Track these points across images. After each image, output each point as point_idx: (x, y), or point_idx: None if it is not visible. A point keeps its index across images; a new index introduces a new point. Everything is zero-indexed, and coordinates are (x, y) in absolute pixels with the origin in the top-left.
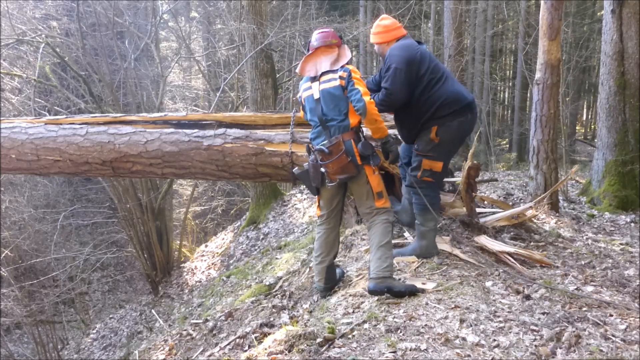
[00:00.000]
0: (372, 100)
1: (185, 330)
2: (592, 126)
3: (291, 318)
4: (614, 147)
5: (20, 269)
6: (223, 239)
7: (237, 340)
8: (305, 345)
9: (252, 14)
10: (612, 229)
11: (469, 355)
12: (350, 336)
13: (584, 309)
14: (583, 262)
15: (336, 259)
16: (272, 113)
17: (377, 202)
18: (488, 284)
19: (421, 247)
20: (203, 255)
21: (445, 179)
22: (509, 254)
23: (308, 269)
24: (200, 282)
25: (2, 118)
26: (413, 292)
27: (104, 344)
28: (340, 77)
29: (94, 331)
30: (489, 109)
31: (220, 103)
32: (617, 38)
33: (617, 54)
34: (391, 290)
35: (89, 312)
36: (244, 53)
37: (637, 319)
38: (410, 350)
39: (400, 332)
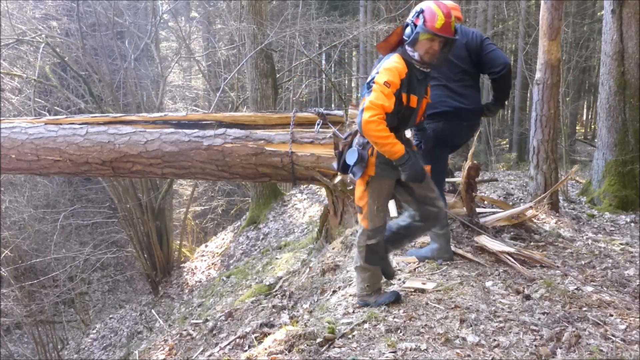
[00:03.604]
0: (373, 118)
1: (185, 330)
2: (592, 126)
3: (291, 318)
4: (614, 147)
5: (20, 269)
6: (223, 239)
7: (237, 340)
8: (305, 345)
9: (252, 14)
10: (612, 229)
11: (469, 355)
12: (350, 336)
13: (584, 309)
14: (583, 262)
15: (336, 259)
16: (272, 113)
17: (359, 215)
18: (488, 284)
19: (432, 250)
20: (203, 255)
21: (446, 179)
22: (509, 254)
23: (308, 269)
24: (200, 282)
25: (2, 118)
26: (393, 302)
27: (104, 344)
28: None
29: (94, 331)
30: None
31: (220, 103)
32: (617, 38)
33: (617, 54)
34: (371, 306)
35: (89, 312)
36: (244, 53)
37: (637, 319)
38: (410, 350)
39: (400, 332)
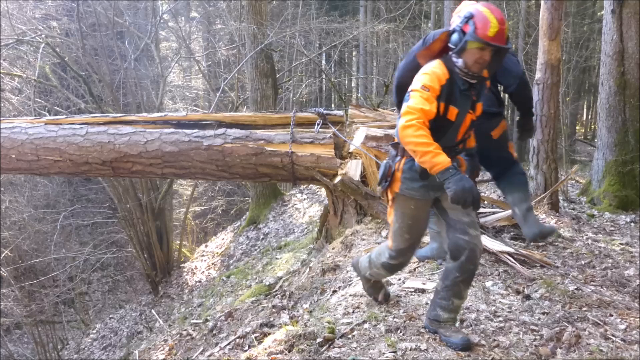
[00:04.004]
0: (410, 122)
1: (185, 330)
2: (592, 126)
3: (291, 318)
4: (614, 147)
5: (20, 269)
6: (223, 239)
7: (237, 340)
8: (305, 345)
9: (252, 14)
10: (612, 229)
11: (469, 355)
12: (350, 336)
13: (584, 309)
14: (583, 262)
15: (336, 259)
16: (272, 113)
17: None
18: (488, 284)
19: (432, 250)
20: (203, 255)
21: None
22: (509, 254)
23: (308, 269)
24: (200, 282)
25: (2, 118)
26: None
27: (104, 344)
28: None
29: (94, 331)
30: None
31: (220, 103)
32: (617, 38)
33: (617, 54)
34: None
35: (89, 312)
36: (244, 53)
37: (637, 319)
38: (410, 350)
39: (400, 332)
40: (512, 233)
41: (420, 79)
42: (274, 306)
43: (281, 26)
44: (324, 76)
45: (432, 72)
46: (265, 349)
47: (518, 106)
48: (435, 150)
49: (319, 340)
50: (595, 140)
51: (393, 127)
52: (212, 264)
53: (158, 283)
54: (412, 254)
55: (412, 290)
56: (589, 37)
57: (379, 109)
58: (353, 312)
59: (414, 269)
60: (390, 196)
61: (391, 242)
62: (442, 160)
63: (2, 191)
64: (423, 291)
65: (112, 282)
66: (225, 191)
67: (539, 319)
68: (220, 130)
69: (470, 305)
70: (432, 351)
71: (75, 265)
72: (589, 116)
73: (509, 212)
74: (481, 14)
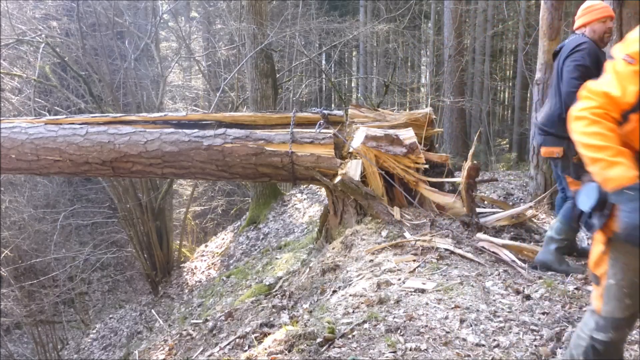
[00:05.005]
0: (582, 113)
1: (185, 330)
2: None
3: (291, 318)
4: None
5: (20, 269)
6: (223, 239)
7: (237, 340)
8: (305, 345)
9: (252, 14)
10: None
11: (468, 355)
12: (350, 336)
13: (584, 309)
14: (583, 262)
15: (336, 259)
16: (272, 113)
17: (594, 286)
18: (488, 284)
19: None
20: (203, 255)
21: (445, 179)
22: (510, 248)
23: (308, 269)
24: (200, 282)
25: (2, 118)
26: None
27: (104, 344)
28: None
29: (94, 331)
30: (489, 109)
31: (220, 103)
32: (617, 38)
33: None
34: None
35: (89, 312)
36: (244, 53)
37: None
38: (410, 350)
39: (400, 332)
40: (512, 233)
41: (624, 45)
42: (274, 306)
43: (281, 26)
44: (324, 76)
45: None
46: (265, 349)
47: None
48: (611, 157)
49: (319, 340)
50: None
51: (393, 127)
52: (212, 264)
53: (158, 283)
54: (629, 329)
55: (412, 290)
56: None
57: (379, 109)
58: (353, 312)
59: (414, 269)
60: (604, 238)
61: (600, 304)
62: (618, 174)
63: (2, 191)
64: (423, 291)
65: (112, 282)
66: (225, 191)
67: (539, 319)
68: (220, 130)
69: (470, 305)
70: (432, 351)
71: (75, 265)
72: None
73: (509, 212)
74: None
